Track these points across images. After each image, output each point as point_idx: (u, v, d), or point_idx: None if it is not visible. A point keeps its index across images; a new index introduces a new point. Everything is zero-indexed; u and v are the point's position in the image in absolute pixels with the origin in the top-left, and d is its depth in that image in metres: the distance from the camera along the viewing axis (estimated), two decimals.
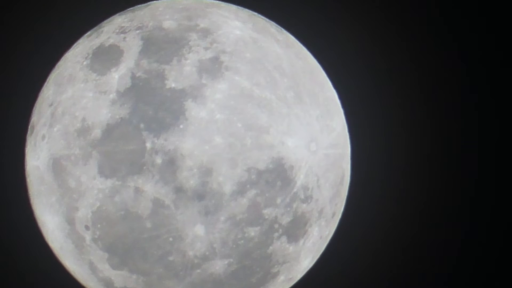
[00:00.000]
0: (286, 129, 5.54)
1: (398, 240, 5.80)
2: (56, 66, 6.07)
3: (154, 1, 6.15)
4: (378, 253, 5.79)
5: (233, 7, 6.10)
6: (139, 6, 6.14)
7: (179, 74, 5.48)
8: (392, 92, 5.94)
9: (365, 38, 5.91)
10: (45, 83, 6.07)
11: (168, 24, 5.76)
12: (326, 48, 5.99)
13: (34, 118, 6.01)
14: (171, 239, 5.46)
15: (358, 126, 6.01)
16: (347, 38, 5.93)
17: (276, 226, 5.61)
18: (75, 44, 6.10)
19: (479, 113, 6.03)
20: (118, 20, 6.00)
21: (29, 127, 6.05)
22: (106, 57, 5.68)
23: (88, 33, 6.10)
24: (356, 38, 5.90)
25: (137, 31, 5.74)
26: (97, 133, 5.47)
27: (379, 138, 5.86)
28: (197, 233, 5.47)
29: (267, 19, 6.17)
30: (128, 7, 6.18)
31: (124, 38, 5.73)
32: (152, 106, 5.42)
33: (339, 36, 5.93)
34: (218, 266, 5.60)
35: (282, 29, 6.19)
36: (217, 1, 6.13)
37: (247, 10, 6.15)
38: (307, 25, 6.06)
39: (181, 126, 5.37)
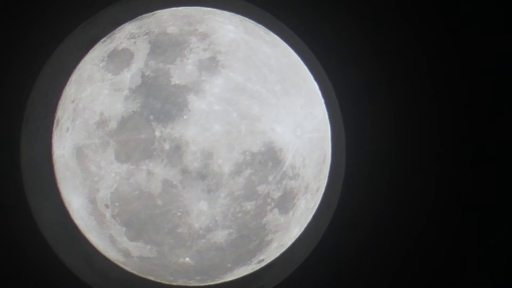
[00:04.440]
0: (275, 117, 5.71)
1: (374, 211, 5.79)
2: (77, 69, 6.14)
3: (159, 10, 6.18)
4: (355, 217, 5.75)
5: (226, 13, 6.15)
6: (146, 14, 6.18)
7: (182, 72, 5.66)
8: (368, 81, 5.85)
9: (344, 36, 5.80)
10: (68, 83, 6.16)
11: (172, 29, 5.89)
12: (318, 42, 5.91)
13: (59, 113, 6.10)
14: (179, 214, 5.69)
15: (337, 113, 5.89)
16: (329, 35, 5.86)
17: (269, 200, 5.79)
18: (92, 49, 6.18)
19: (466, 106, 5.89)
20: (129, 28, 6.09)
21: (55, 121, 6.13)
22: (119, 59, 5.83)
23: (103, 39, 6.18)
24: (337, 35, 5.82)
25: (145, 36, 5.88)
26: (113, 124, 5.69)
27: (357, 123, 5.81)
28: (201, 208, 5.68)
29: (256, 23, 6.17)
30: (137, 16, 6.17)
31: (134, 42, 5.87)
32: (160, 100, 5.59)
33: (330, 31, 5.87)
34: (220, 236, 5.78)
35: (269, 31, 6.19)
36: (213, 9, 6.18)
37: (239, 15, 6.19)
38: (300, 20, 5.96)
39: (185, 117, 5.57)
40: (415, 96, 5.95)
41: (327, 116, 6.20)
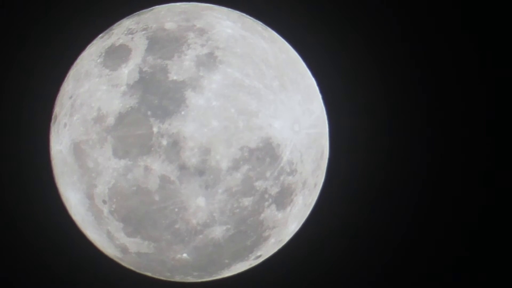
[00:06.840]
0: (273, 113, 5.75)
1: (369, 203, 5.94)
2: (74, 64, 6.25)
3: (157, 6, 6.30)
4: (354, 214, 5.88)
5: (224, 9, 6.24)
6: (144, 10, 6.30)
7: (180, 68, 5.67)
8: (364, 78, 6.06)
9: (340, 34, 6.01)
10: (65, 79, 6.26)
11: (169, 25, 5.95)
12: (307, 42, 6.08)
13: (56, 109, 6.20)
14: (176, 209, 5.68)
15: (334, 109, 6.11)
16: (325, 33, 6.02)
17: (266, 196, 5.83)
18: (90, 45, 6.29)
19: (450, 99, 6.07)
20: (126, 23, 6.18)
21: (53, 117, 6.25)
22: (117, 55, 5.88)
23: (101, 35, 6.30)
24: (332, 33, 5.99)
25: (143, 32, 5.95)
26: (110, 120, 5.69)
27: (353, 118, 5.97)
28: (199, 204, 5.68)
29: (254, 19, 6.32)
30: (135, 12, 6.32)
31: (132, 38, 5.94)
32: (157, 96, 5.60)
33: (318, 32, 6.02)
34: (218, 231, 5.81)
35: (267, 27, 6.35)
36: (211, 4, 6.26)
37: (237, 11, 6.30)
38: (291, 22, 6.17)
39: (183, 113, 5.57)
40: (410, 95, 6.17)
41: (324, 112, 6.28)
